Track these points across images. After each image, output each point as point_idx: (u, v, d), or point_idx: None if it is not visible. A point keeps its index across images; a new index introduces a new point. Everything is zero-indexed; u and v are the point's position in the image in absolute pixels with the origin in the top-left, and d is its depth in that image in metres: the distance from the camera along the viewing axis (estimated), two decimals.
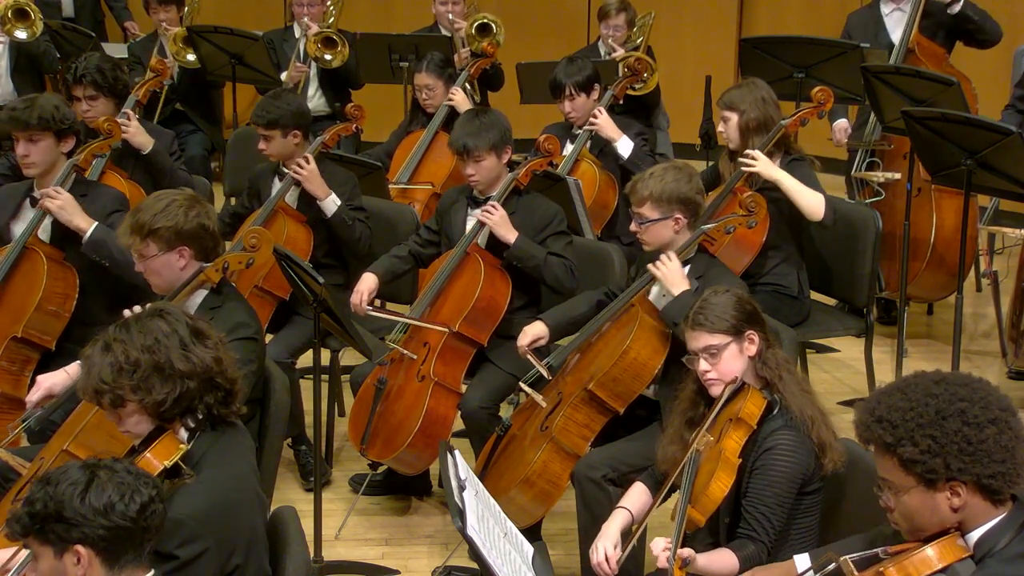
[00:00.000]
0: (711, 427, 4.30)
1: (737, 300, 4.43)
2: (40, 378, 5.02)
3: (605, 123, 7.23)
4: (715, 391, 4.38)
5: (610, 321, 5.34)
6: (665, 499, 4.51)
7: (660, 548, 4.05)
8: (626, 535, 4.52)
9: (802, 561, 3.96)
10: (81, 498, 3.24)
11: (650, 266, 5.27)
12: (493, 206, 5.84)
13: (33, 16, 8.79)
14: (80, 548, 3.23)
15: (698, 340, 4.40)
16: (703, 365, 4.38)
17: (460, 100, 7.73)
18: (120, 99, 6.87)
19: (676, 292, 5.15)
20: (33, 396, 4.96)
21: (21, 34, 8.80)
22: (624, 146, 7.20)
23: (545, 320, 5.52)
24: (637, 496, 4.65)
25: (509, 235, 5.79)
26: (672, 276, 5.20)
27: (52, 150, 5.87)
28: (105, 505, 3.25)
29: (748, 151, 6.23)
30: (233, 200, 7.89)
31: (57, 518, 3.24)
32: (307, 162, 6.34)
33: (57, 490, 3.26)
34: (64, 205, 5.80)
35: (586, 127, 7.25)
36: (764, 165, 6.20)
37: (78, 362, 4.95)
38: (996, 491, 3.21)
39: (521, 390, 5.42)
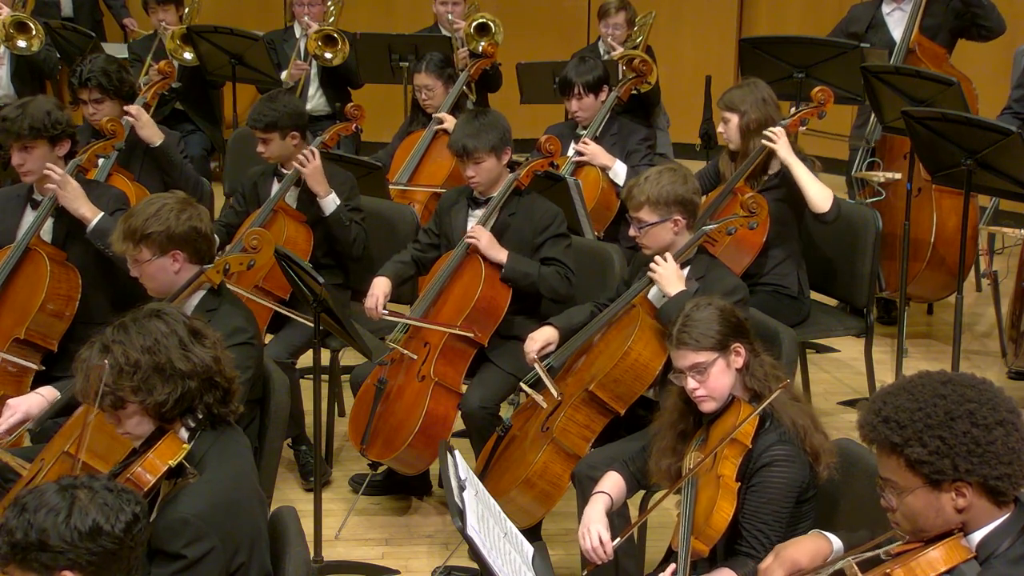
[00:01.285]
0: (704, 446, 4.28)
1: (720, 314, 4.38)
2: (12, 402, 4.89)
3: (595, 152, 7.19)
4: (706, 408, 4.35)
5: (611, 322, 5.33)
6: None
7: None
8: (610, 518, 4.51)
9: (836, 541, 3.89)
10: (65, 524, 3.16)
11: (649, 272, 5.26)
12: (476, 231, 5.81)
13: (34, 30, 8.80)
14: (68, 574, 3.20)
15: (684, 359, 4.35)
16: (691, 383, 4.33)
17: (450, 123, 7.65)
18: (126, 101, 6.87)
19: (673, 292, 5.14)
20: (8, 421, 4.83)
21: (21, 44, 8.81)
22: (619, 171, 7.16)
23: (554, 323, 5.51)
24: (613, 483, 4.63)
25: (500, 255, 5.78)
26: (669, 277, 5.19)
27: (47, 156, 5.85)
28: (91, 529, 3.16)
29: (771, 128, 6.23)
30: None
31: (41, 547, 3.14)
32: (312, 156, 6.33)
33: (37, 517, 3.17)
34: (70, 194, 5.80)
35: (574, 159, 7.22)
36: (784, 146, 6.20)
37: (50, 386, 4.96)
38: (1001, 492, 3.20)
39: (522, 390, 5.41)
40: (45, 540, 3.16)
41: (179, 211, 4.88)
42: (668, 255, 5.24)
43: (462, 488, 3.77)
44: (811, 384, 7.00)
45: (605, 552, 4.39)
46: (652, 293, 5.36)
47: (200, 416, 3.91)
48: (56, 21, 9.71)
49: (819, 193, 6.16)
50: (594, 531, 4.41)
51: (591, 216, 6.80)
